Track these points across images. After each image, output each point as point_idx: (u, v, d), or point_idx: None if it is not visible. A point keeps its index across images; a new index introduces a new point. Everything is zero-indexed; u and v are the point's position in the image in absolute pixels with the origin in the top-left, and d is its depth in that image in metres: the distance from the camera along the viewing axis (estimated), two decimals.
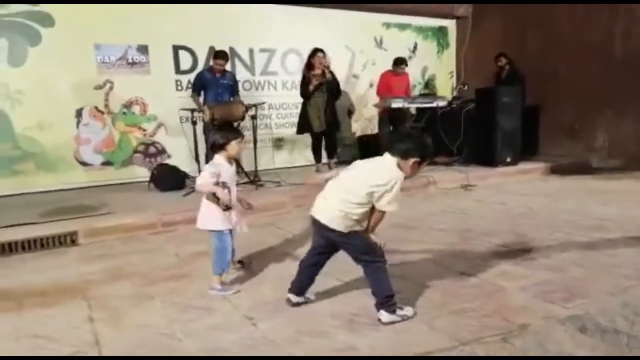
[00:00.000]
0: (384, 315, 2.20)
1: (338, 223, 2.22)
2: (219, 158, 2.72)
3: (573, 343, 2.01)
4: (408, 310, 2.27)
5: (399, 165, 2.19)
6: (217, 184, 2.64)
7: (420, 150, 2.19)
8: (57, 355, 1.95)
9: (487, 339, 2.06)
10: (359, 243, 2.26)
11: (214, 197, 2.65)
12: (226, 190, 2.67)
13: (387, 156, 2.22)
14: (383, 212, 2.22)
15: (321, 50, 6.07)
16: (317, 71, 6.04)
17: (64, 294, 2.81)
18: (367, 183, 2.16)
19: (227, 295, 2.67)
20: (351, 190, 2.19)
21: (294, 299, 2.44)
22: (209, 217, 2.72)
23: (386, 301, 2.22)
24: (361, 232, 2.27)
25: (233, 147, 2.71)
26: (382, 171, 2.19)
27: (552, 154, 7.08)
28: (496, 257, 3.14)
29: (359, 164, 2.34)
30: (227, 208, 2.68)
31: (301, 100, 6.27)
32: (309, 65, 6.13)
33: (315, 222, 2.30)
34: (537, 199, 5.00)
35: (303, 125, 6.29)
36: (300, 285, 2.45)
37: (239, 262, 3.11)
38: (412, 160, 2.18)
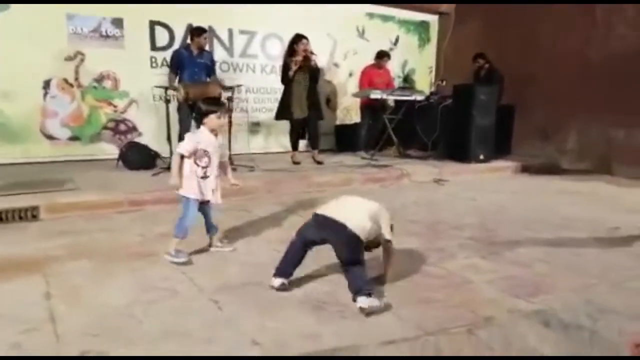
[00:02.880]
0: (363, 300, 2.16)
1: (358, 227, 2.29)
2: (202, 128, 2.84)
3: (537, 337, 2.03)
4: (383, 300, 2.26)
5: None
6: (196, 151, 2.77)
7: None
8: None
9: (452, 329, 2.06)
10: (361, 255, 2.34)
11: (194, 161, 2.79)
12: (205, 159, 2.80)
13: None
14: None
15: (305, 37, 5.94)
16: (299, 57, 5.93)
17: (21, 270, 2.69)
18: None
19: (178, 264, 2.77)
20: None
21: (278, 281, 2.42)
22: (184, 182, 2.82)
23: (364, 285, 2.22)
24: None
25: (212, 120, 2.82)
26: None
27: (524, 154, 7.20)
28: (465, 250, 3.16)
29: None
30: (204, 176, 2.83)
31: (280, 85, 6.15)
32: (291, 52, 5.99)
33: (330, 220, 2.32)
34: (507, 196, 5.07)
35: (282, 111, 6.11)
36: (287, 269, 2.44)
37: (210, 242, 3.06)
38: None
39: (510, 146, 7.48)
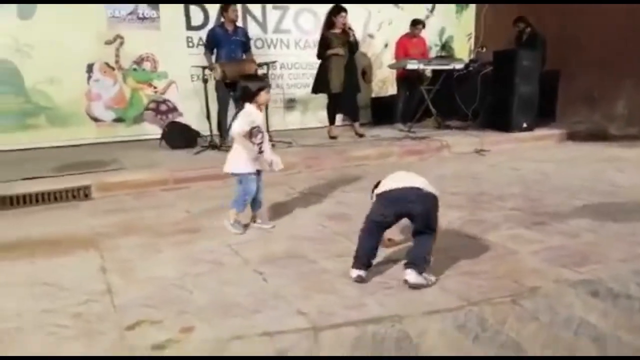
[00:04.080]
0: (412, 275, 2.15)
1: (432, 188, 2.28)
2: (250, 107, 2.89)
3: (584, 307, 1.99)
4: (432, 277, 2.23)
5: None
6: (252, 129, 2.85)
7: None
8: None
9: (496, 299, 2.05)
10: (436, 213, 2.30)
11: (249, 139, 2.86)
12: (260, 135, 2.89)
13: None
14: None
15: (344, 9, 5.79)
16: (338, 30, 5.82)
17: (76, 245, 2.84)
18: None
19: (234, 233, 2.91)
20: None
21: (364, 274, 2.28)
22: (233, 161, 2.95)
23: (422, 261, 2.19)
24: None
25: (262, 96, 2.91)
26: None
27: (569, 121, 6.92)
28: (508, 221, 3.11)
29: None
30: (260, 151, 2.92)
31: (315, 60, 6.10)
32: (329, 24, 5.87)
33: (402, 191, 2.27)
34: (552, 165, 4.91)
35: (320, 85, 6.04)
36: (365, 259, 2.30)
37: (253, 217, 3.14)
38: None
39: (555, 113, 7.21)
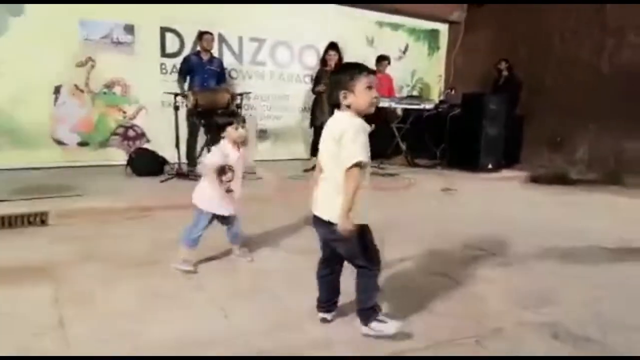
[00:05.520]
0: (363, 328, 2.04)
1: (328, 208, 1.93)
2: (224, 142, 2.81)
3: (546, 349, 2.01)
4: (390, 326, 2.02)
5: (351, 111, 1.92)
6: (224, 167, 2.77)
7: (352, 69, 1.93)
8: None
9: (460, 340, 2.05)
10: (355, 240, 1.94)
11: (218, 176, 2.76)
12: (231, 174, 2.80)
13: (336, 114, 1.98)
14: (351, 178, 1.84)
15: (333, 47, 6.14)
16: (329, 67, 6.06)
17: (31, 274, 2.71)
18: (331, 137, 1.91)
19: (184, 272, 2.75)
20: (330, 155, 1.93)
21: (328, 316, 2.17)
22: (198, 194, 2.84)
23: (365, 312, 2.04)
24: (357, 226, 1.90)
25: (230, 132, 2.79)
26: (337, 123, 1.93)
27: (533, 164, 7.16)
28: (473, 260, 3.14)
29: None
30: (228, 190, 2.80)
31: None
32: (323, 61, 6.24)
33: (314, 220, 2.04)
34: (517, 206, 5.04)
35: (311, 119, 6.43)
36: (328, 300, 2.17)
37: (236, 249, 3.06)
38: (342, 100, 1.91)
39: (519, 156, 7.46)
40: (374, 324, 2.01)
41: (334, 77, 2.02)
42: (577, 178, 6.81)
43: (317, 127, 6.17)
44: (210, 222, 2.84)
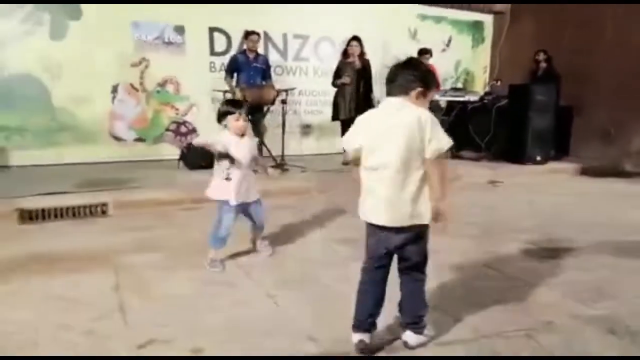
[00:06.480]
0: (412, 337, 1.92)
1: (412, 210, 1.79)
2: (225, 132, 2.74)
3: (601, 344, 1.96)
4: (430, 330, 1.98)
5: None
6: (222, 154, 2.69)
7: (421, 78, 1.86)
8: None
9: (509, 333, 2.03)
10: (424, 245, 1.87)
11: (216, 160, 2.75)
12: (226, 161, 2.69)
13: (390, 100, 1.89)
14: (444, 162, 1.84)
15: (355, 39, 6.01)
16: (350, 59, 6.00)
17: (92, 262, 2.88)
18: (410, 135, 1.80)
19: (212, 272, 2.73)
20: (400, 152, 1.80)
21: (367, 338, 1.89)
22: (211, 185, 2.80)
23: (420, 320, 1.93)
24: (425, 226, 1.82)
25: (229, 121, 2.72)
26: (409, 110, 1.84)
27: (583, 156, 6.89)
28: (523, 253, 3.09)
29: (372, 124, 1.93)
30: (227, 178, 2.71)
31: (331, 88, 6.24)
32: (345, 53, 6.11)
33: (376, 228, 1.87)
34: (567, 198, 4.88)
35: (333, 113, 6.24)
36: (371, 315, 1.92)
37: (258, 241, 3.06)
38: (414, 92, 1.85)
39: (569, 148, 7.19)
40: (426, 331, 1.96)
41: (420, 65, 1.94)
42: (632, 170, 6.50)
43: (343, 121, 5.96)
44: (235, 217, 2.78)
